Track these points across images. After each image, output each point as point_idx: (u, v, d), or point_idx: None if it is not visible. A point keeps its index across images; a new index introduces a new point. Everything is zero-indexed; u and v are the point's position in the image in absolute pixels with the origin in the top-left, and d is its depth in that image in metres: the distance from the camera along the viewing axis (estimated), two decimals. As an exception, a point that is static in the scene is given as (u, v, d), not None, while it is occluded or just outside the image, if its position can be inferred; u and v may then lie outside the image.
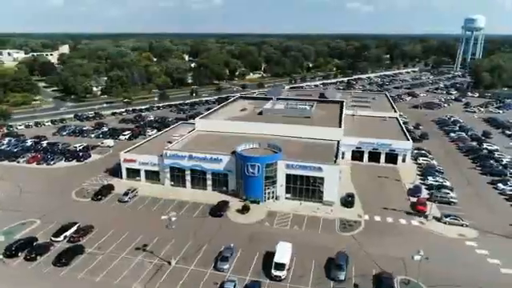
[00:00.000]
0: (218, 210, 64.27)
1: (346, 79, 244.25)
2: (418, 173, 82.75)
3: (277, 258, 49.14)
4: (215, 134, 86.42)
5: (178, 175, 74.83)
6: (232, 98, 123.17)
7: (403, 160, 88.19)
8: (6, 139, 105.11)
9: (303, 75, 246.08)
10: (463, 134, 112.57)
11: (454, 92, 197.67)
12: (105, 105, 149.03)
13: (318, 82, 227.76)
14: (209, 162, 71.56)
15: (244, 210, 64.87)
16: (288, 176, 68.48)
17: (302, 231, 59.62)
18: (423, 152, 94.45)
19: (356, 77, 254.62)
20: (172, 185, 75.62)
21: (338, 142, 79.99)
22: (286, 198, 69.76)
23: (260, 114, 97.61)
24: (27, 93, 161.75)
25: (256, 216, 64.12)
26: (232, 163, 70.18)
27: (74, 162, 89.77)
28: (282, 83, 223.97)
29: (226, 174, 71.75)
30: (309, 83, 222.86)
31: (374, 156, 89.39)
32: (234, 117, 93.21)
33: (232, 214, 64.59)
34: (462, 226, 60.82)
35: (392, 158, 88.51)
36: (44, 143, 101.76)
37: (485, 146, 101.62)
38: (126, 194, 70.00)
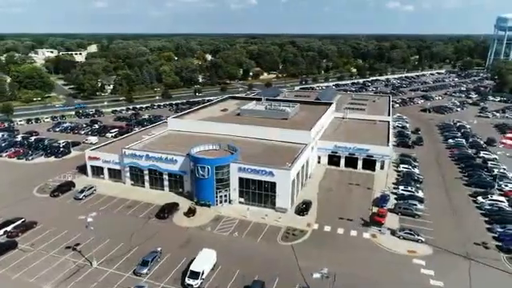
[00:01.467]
0: (164, 212, 62.83)
1: (362, 80, 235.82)
2: (394, 181, 77.39)
3: (193, 266, 46.96)
4: (185, 134, 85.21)
5: (137, 175, 74.31)
6: (220, 98, 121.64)
7: (381, 167, 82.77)
8: (1, 134, 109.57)
9: (316, 76, 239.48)
10: (462, 141, 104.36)
11: (474, 95, 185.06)
12: (105, 103, 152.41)
13: (330, 83, 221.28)
14: (164, 162, 70.38)
15: (189, 213, 63.06)
16: (241, 180, 65.91)
17: (241, 238, 56.92)
18: (407, 159, 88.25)
19: (374, 78, 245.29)
20: (132, 184, 75.24)
21: (306, 145, 76.31)
22: (240, 203, 67.21)
23: (238, 114, 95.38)
24: (39, 90, 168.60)
25: (201, 220, 62.10)
26: (186, 164, 68.56)
27: (52, 158, 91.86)
28: (286, 84, 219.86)
29: (182, 175, 70.29)
30: (320, 84, 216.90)
31: (352, 161, 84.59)
32: (207, 117, 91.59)
33: (178, 217, 62.96)
34: (416, 241, 55.67)
35: (370, 163, 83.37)
36: (32, 139, 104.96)
37: (482, 154, 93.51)
38: (81, 191, 70.30)
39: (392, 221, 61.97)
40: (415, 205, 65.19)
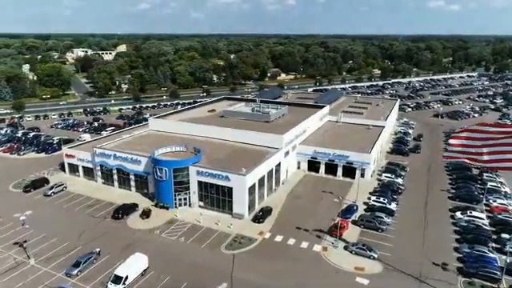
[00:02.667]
0: (118, 212, 62.64)
1: (381, 83, 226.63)
2: (371, 190, 72.81)
3: (117, 270, 46.14)
4: (164, 134, 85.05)
5: (107, 174, 74.94)
6: (216, 98, 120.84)
7: (362, 175, 78.23)
8: (4, 129, 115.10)
9: (331, 78, 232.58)
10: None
11: (499, 100, 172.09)
12: (112, 101, 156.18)
13: (347, 85, 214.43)
14: (130, 162, 70.35)
15: (144, 215, 62.49)
16: (200, 183, 64.50)
17: (186, 244, 55.48)
18: (392, 168, 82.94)
19: (395, 80, 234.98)
20: (103, 183, 76.00)
21: (278, 149, 73.59)
22: (200, 206, 65.84)
23: (222, 116, 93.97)
24: (57, 88, 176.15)
25: (154, 223, 61.31)
26: (150, 165, 68.13)
27: (42, 154, 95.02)
28: (294, 86, 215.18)
29: (146, 176, 69.95)
30: (335, 86, 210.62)
31: (332, 168, 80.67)
32: (187, 118, 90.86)
33: (133, 219, 62.56)
34: (368, 257, 51.69)
35: (351, 171, 79.11)
36: (31, 134, 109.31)
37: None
38: (51, 188, 71.88)
39: (352, 234, 58.19)
40: (381, 218, 60.81)
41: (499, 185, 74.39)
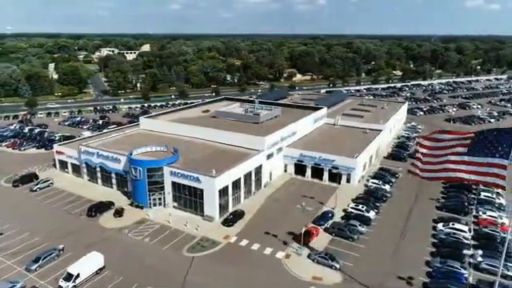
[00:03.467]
0: (92, 210, 63.50)
1: (400, 85, 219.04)
2: (354, 197, 70.07)
3: (70, 268, 46.63)
4: (153, 134, 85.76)
5: (91, 171, 76.35)
6: (216, 98, 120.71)
7: (348, 180, 75.58)
8: (14, 125, 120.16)
9: (346, 79, 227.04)
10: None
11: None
12: (121, 99, 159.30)
13: (362, 87, 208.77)
14: (111, 160, 71.28)
15: (116, 213, 63.03)
16: (174, 184, 64.37)
17: (149, 245, 55.39)
18: (382, 173, 79.58)
19: (415, 82, 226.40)
20: (88, 180, 77.50)
21: (259, 151, 72.38)
22: (174, 207, 65.75)
23: (214, 117, 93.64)
24: (73, 86, 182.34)
25: (125, 221, 61.72)
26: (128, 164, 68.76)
27: (42, 150, 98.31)
28: (301, 86, 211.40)
29: (126, 175, 70.62)
30: (349, 87, 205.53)
31: (318, 172, 78.44)
32: (177, 118, 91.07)
33: (106, 217, 63.24)
34: (330, 267, 49.63)
35: (336, 176, 76.61)
36: (36, 131, 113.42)
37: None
38: (37, 183, 74.06)
39: (322, 241, 56.16)
40: (355, 226, 58.31)
41: (494, 196, 69.57)
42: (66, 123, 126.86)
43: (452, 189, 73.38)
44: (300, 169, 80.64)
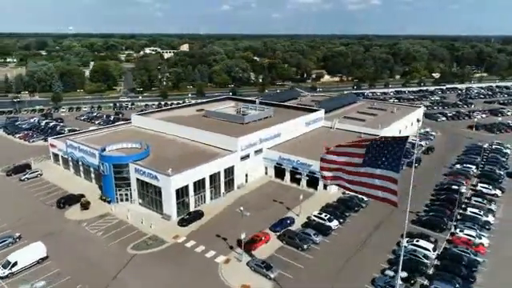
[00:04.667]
0: (60, 202, 66.00)
1: (432, 88, 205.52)
2: (324, 204, 66.59)
3: (10, 255, 48.76)
4: (140, 130, 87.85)
5: (76, 165, 79.61)
6: (219, 98, 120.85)
7: (325, 186, 72.03)
8: (34, 118, 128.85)
9: (371, 81, 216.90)
10: (471, 169, 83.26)
11: None
12: (140, 97, 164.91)
13: (389, 90, 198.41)
14: (89, 155, 73.77)
15: (82, 206, 65.04)
16: (138, 181, 65.19)
17: (99, 239, 56.47)
18: (365, 181, 74.70)
19: (451, 86, 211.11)
20: (74, 173, 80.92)
21: (232, 152, 71.27)
22: (139, 204, 66.60)
23: (205, 116, 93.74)
24: (100, 83, 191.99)
25: (89, 215, 63.47)
26: (102, 159, 70.76)
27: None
28: (315, 88, 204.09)
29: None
30: (376, 90, 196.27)
31: (298, 176, 75.63)
32: (167, 117, 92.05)
33: (73, 209, 65.42)
34: (265, 276, 47.45)
35: (314, 181, 73.37)
36: (50, 124, 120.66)
37: (479, 187, 73.64)
38: (25, 174, 78.65)
39: (269, 248, 54.00)
40: (308, 235, 55.36)
41: (481, 212, 62.59)
42: (82, 118, 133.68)
43: (439, 202, 67.26)
44: (280, 172, 78.26)
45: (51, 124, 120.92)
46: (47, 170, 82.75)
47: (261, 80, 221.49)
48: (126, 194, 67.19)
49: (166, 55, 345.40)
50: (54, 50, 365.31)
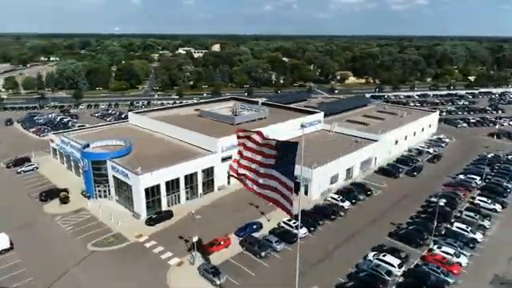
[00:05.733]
0: (42, 195, 68.15)
1: (463, 92, 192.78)
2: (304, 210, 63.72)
3: (-31, 244, 50.90)
4: (135, 128, 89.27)
5: (68, 160, 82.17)
6: (222, 97, 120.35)
7: (305, 192, 69.19)
8: (52, 114, 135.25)
9: (394, 84, 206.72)
10: (475, 180, 76.55)
11: None
12: (156, 96, 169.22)
13: (414, 93, 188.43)
14: (77, 151, 75.64)
15: (61, 201, 66.76)
16: (114, 178, 65.96)
17: (66, 234, 57.56)
18: (352, 189, 71.07)
19: (485, 90, 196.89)
20: (66, 168, 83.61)
21: (212, 153, 70.37)
22: (116, 200, 67.41)
23: (200, 116, 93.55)
24: (124, 81, 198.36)
25: (65, 209, 65.03)
26: (87, 155, 72.36)
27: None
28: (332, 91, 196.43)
29: (84, 165, 74.44)
30: (400, 93, 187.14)
31: (280, 180, 73.15)
32: (161, 116, 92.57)
33: (52, 203, 67.17)
34: (211, 282, 46.02)
35: (296, 186, 70.51)
36: (64, 120, 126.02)
37: (478, 199, 67.50)
38: (22, 166, 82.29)
39: (228, 253, 52.48)
40: (270, 242, 53.21)
41: (469, 229, 57.06)
42: (96, 115, 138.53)
43: (426, 215, 62.30)
44: (265, 175, 76.13)
45: (65, 120, 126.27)
46: (45, 163, 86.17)
47: (282, 81, 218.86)
48: (105, 191, 68.24)
49: (196, 55, 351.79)
50: (95, 49, 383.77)
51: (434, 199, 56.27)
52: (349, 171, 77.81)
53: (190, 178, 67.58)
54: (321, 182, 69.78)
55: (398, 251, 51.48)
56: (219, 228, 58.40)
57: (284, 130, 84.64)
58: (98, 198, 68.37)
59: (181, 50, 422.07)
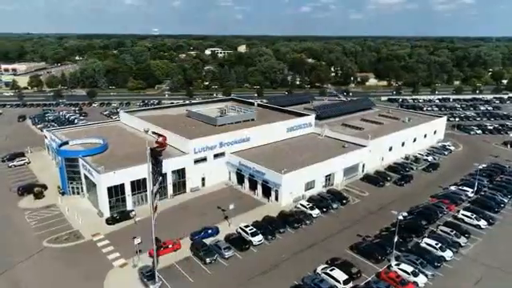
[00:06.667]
0: (19, 189, 70.27)
1: (490, 96, 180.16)
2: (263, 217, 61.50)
3: None
4: (124, 127, 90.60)
5: (54, 156, 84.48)
6: (222, 98, 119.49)
7: (276, 197, 66.77)
8: (64, 112, 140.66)
9: (414, 87, 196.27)
10: (467, 192, 70.61)
11: None
12: (166, 95, 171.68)
13: (435, 97, 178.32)
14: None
15: (35, 196, 68.49)
16: (85, 175, 66.89)
17: (29, 228, 58.85)
18: (324, 196, 67.75)
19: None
20: (55, 164, 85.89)
21: (184, 153, 69.73)
22: (88, 198, 68.33)
23: (188, 116, 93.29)
24: (141, 80, 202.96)
25: (37, 204, 66.62)
26: (67, 152, 73.97)
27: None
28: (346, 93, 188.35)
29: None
30: (419, 96, 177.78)
31: (254, 184, 71.32)
32: (149, 115, 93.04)
33: (29, 198, 69.08)
34: (145, 286, 45.13)
35: (268, 191, 68.50)
36: (72, 117, 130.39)
37: (461, 213, 62.04)
38: (14, 161, 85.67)
39: (176, 257, 51.49)
40: (218, 248, 51.59)
41: (438, 246, 52.32)
42: (105, 113, 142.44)
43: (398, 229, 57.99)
44: (241, 179, 74.53)
45: (72, 117, 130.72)
46: (37, 159, 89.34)
47: (298, 82, 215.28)
48: (78, 188, 69.42)
49: (221, 55, 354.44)
50: (127, 49, 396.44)
51: (394, 212, 51.82)
52: (329, 178, 74.36)
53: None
54: (293, 187, 67.01)
55: (350, 266, 48.14)
56: (179, 230, 57.55)
57: (266, 132, 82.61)
58: (72, 194, 69.70)
59: (207, 51, 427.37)
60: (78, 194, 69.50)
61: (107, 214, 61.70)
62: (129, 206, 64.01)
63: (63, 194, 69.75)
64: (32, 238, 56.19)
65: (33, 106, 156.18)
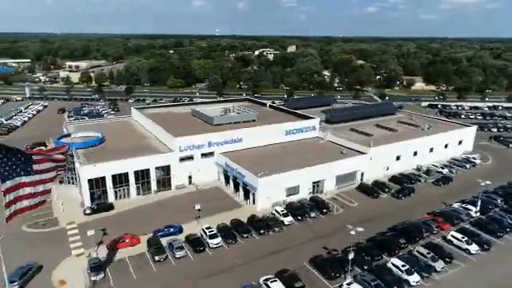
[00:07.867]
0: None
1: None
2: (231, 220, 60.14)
3: None
4: (132, 123, 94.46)
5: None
6: (237, 98, 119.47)
7: (253, 201, 65.01)
8: (98, 106, 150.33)
9: (464, 93, 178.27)
10: (471, 211, 62.77)
11: None
12: (197, 94, 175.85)
13: (485, 104, 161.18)
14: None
15: (35, 182, 73.76)
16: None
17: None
18: (307, 203, 64.62)
19: None
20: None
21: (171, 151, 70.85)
22: (79, 188, 72.13)
23: (193, 115, 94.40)
24: (180, 79, 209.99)
25: (35, 191, 71.78)
26: (69, 144, 78.83)
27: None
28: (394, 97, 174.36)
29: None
30: (466, 102, 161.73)
31: (238, 186, 70.21)
32: (155, 113, 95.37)
33: (31, 184, 74.85)
34: (88, 278, 46.44)
35: (247, 193, 67.05)
36: (103, 112, 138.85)
37: (450, 234, 55.42)
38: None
39: (130, 252, 52.37)
40: (172, 247, 51.51)
41: (404, 268, 47.07)
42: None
43: (367, 242, 53.53)
44: (228, 179, 73.75)
45: (103, 112, 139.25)
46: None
47: (336, 84, 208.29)
48: (73, 178, 73.64)
49: (270, 56, 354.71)
50: (182, 49, 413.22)
51: (350, 226, 47.18)
52: (317, 184, 70.69)
53: (142, 174, 68.84)
54: (271, 192, 64.68)
55: (295, 280, 45.21)
56: (149, 226, 58.46)
57: (261, 134, 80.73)
58: (68, 184, 74.09)
59: (256, 52, 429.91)
60: (73, 183, 73.73)
61: (88, 204, 64.59)
62: (110, 198, 66.45)
63: (61, 182, 74.33)
64: (14, 222, 60.22)
65: (76, 100, 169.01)
